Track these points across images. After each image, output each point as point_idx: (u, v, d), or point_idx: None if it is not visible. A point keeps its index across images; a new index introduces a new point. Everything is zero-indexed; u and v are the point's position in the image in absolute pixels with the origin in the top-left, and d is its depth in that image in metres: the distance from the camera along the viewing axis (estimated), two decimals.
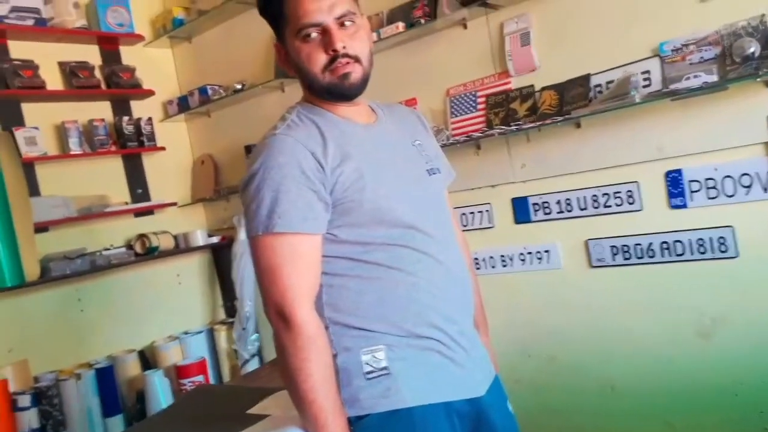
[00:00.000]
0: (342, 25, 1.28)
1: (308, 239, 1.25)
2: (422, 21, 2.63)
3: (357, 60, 1.30)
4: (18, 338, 3.03)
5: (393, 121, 1.44)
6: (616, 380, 2.46)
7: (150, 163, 3.65)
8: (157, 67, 3.75)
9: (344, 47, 1.28)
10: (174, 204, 3.68)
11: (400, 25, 2.68)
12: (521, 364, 2.66)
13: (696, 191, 2.21)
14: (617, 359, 2.44)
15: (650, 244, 2.32)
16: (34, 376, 3.02)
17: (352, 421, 1.28)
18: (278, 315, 1.24)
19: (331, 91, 1.32)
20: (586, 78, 2.34)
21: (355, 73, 1.30)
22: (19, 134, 3.10)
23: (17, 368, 2.95)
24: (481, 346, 1.45)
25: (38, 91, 3.18)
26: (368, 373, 1.28)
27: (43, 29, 3.23)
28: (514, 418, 1.47)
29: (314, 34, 1.28)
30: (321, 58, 1.28)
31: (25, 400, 2.83)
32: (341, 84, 1.30)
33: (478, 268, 2.68)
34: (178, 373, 3.08)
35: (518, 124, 2.42)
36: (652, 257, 2.32)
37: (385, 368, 1.28)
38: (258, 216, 1.23)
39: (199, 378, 3.08)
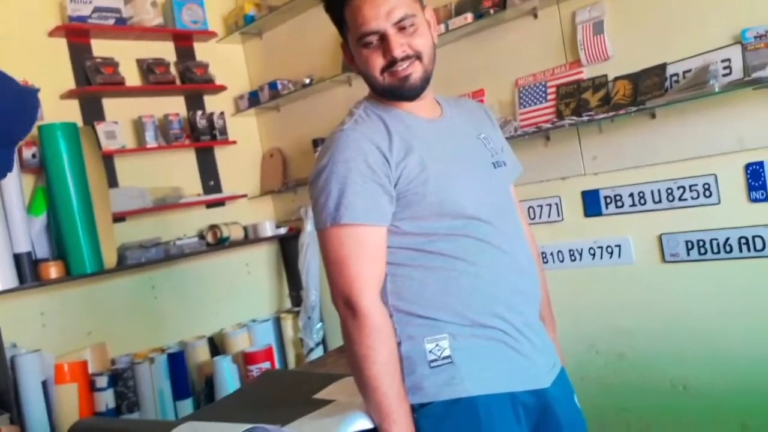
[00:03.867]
0: (402, 28, 1.29)
1: (374, 231, 1.28)
2: (491, 11, 2.60)
3: (418, 57, 1.31)
4: (96, 322, 3.16)
5: (458, 115, 1.45)
6: (689, 379, 2.37)
7: (222, 156, 3.75)
8: (229, 63, 3.84)
9: (404, 51, 1.29)
10: (244, 196, 3.77)
11: (469, 16, 2.66)
12: (588, 361, 2.60)
13: None
14: (690, 357, 2.36)
15: (728, 239, 2.23)
16: (111, 359, 3.15)
17: (416, 409, 1.29)
18: (345, 304, 1.27)
19: (391, 93, 1.34)
20: (662, 67, 2.27)
21: (416, 73, 1.31)
22: (100, 128, 3.23)
23: (96, 351, 3.08)
24: (546, 337, 1.43)
25: (118, 87, 3.31)
26: (432, 361, 1.29)
27: (123, 28, 3.36)
28: (580, 412, 1.45)
29: (374, 41, 1.30)
30: (379, 62, 1.30)
31: (102, 381, 2.95)
32: (401, 86, 1.32)
33: (545, 263, 2.64)
34: (246, 359, 3.16)
35: (590, 115, 2.37)
36: (729, 252, 2.22)
37: (448, 357, 1.28)
38: (326, 209, 1.27)
39: (266, 365, 3.14)
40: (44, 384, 2.84)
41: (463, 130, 1.42)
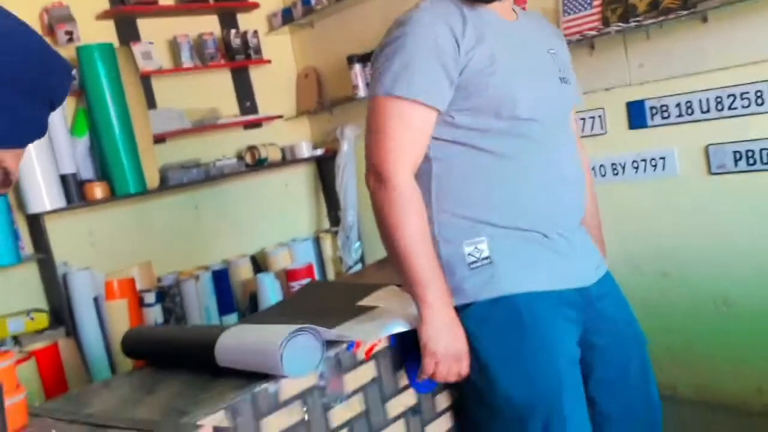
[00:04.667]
0: None
1: (424, 111, 1.26)
2: None
3: None
4: (142, 241, 3.25)
5: (533, 24, 1.43)
6: (732, 297, 2.34)
7: (257, 76, 3.72)
8: None
9: None
10: (280, 117, 3.76)
11: None
12: (632, 280, 2.55)
13: None
14: (735, 274, 2.32)
15: None
16: (157, 277, 3.25)
17: (459, 310, 1.30)
18: (376, 175, 1.27)
19: None
20: None
21: None
22: (136, 49, 3.23)
23: (142, 269, 3.18)
24: (588, 239, 1.43)
25: (152, 7, 3.30)
26: (471, 263, 1.29)
27: None
28: (630, 308, 1.45)
29: None
30: None
31: (150, 298, 3.05)
32: None
33: None
34: (288, 276, 3.22)
35: (638, 21, 2.27)
36: None
37: (487, 258, 1.29)
38: (384, 78, 1.26)
39: (307, 281, 3.21)
40: (96, 300, 2.96)
41: (536, 38, 1.40)
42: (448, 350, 1.26)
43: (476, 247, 1.29)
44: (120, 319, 2.96)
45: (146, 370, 1.45)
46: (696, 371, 2.47)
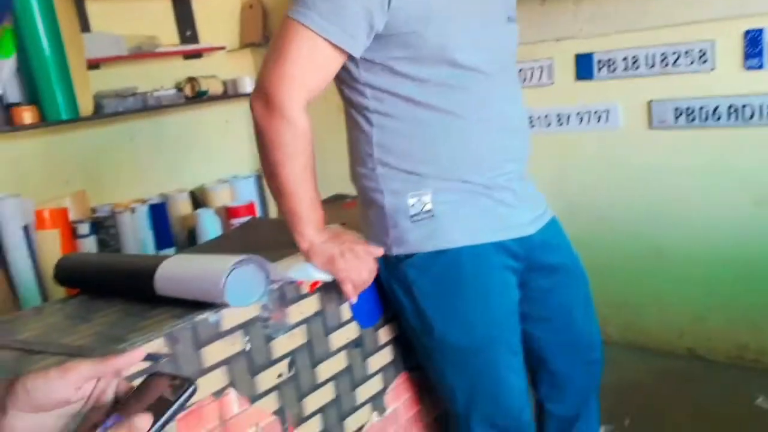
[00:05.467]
0: None
1: (332, 51, 1.20)
2: None
3: None
4: (74, 171, 3.11)
5: None
6: (664, 246, 2.44)
7: (199, 4, 3.55)
8: None
9: None
10: (222, 48, 3.63)
11: None
12: (568, 223, 2.61)
13: None
14: (668, 225, 2.42)
15: (717, 107, 2.22)
16: (91, 208, 3.13)
17: (401, 259, 1.31)
18: (266, 100, 1.20)
19: None
20: None
21: None
22: None
23: (76, 198, 3.04)
24: (533, 188, 1.42)
25: None
26: (413, 215, 1.28)
27: None
28: (572, 248, 1.49)
29: None
30: None
31: (84, 228, 2.94)
32: None
33: (532, 126, 2.61)
34: (228, 213, 3.16)
35: None
36: (717, 121, 2.23)
37: (429, 211, 1.28)
38: (305, 2, 1.18)
39: (248, 218, 3.15)
40: (26, 230, 2.83)
41: None
42: (343, 253, 1.27)
43: (420, 199, 1.28)
44: (52, 250, 2.85)
45: (80, 298, 1.41)
46: (625, 314, 2.59)
